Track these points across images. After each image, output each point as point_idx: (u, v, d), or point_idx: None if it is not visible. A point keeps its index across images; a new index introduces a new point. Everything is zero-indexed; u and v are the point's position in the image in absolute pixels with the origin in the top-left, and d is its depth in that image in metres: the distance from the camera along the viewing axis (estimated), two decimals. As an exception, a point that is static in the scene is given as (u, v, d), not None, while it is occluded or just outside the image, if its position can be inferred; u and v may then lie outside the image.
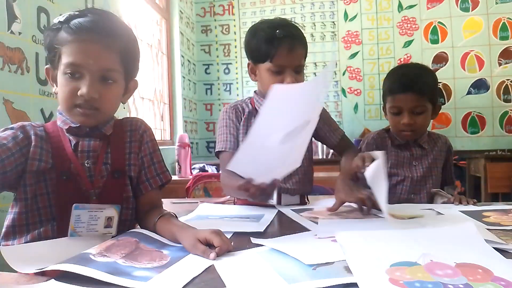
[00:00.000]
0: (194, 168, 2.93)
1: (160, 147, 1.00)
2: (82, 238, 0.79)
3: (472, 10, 3.62)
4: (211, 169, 2.92)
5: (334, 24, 3.87)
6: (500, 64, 3.57)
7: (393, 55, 3.77)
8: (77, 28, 0.81)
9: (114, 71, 0.85)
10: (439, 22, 3.68)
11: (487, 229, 0.82)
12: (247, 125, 1.29)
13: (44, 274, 0.60)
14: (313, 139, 1.38)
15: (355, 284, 0.52)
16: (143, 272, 0.61)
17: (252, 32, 1.26)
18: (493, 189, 2.94)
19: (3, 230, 0.83)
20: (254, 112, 1.32)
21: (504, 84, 3.58)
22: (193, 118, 3.91)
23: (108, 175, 0.88)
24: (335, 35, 3.87)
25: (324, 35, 3.87)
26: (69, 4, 1.87)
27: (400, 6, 3.75)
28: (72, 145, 0.87)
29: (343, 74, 3.85)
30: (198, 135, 4.00)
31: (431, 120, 1.41)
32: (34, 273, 0.60)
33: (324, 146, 3.98)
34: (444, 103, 3.61)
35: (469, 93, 3.63)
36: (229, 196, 1.47)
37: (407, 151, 1.38)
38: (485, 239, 0.68)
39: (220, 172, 1.28)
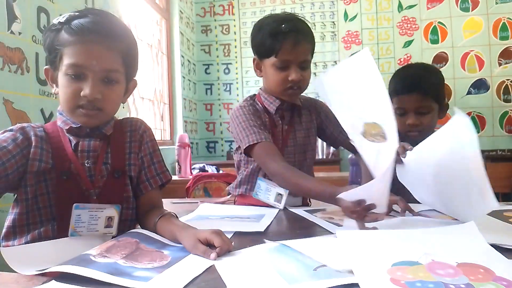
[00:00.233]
0: (194, 168, 2.93)
1: (160, 147, 1.00)
2: (82, 238, 0.79)
3: (472, 10, 3.62)
4: (211, 169, 2.92)
5: (334, 24, 3.87)
6: (500, 64, 3.57)
7: (393, 55, 3.77)
8: (78, 29, 0.81)
9: (116, 72, 0.86)
10: (439, 22, 3.68)
11: None
12: (264, 124, 1.25)
13: (45, 275, 0.60)
14: (318, 138, 1.38)
15: (356, 285, 0.52)
16: (143, 273, 0.61)
17: (257, 27, 1.24)
18: (493, 189, 2.94)
19: (4, 230, 0.83)
20: (264, 111, 1.28)
21: (504, 84, 3.58)
22: (193, 118, 3.91)
23: (108, 175, 0.88)
24: (335, 35, 3.87)
25: (324, 35, 3.87)
26: (69, 4, 1.86)
27: (400, 6, 3.75)
28: (72, 145, 0.87)
29: (343, 74, 3.85)
30: (198, 135, 4.00)
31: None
32: (34, 274, 0.60)
33: (324, 145, 4.00)
34: (445, 98, 3.61)
35: (469, 93, 3.63)
36: (229, 196, 1.47)
37: None
38: None
39: (263, 162, 1.16)
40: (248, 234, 0.86)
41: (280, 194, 1.18)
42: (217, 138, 4.05)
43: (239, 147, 1.25)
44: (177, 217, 0.88)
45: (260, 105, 1.29)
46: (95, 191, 0.86)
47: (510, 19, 3.56)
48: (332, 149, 3.70)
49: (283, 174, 1.09)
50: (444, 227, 0.79)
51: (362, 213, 0.83)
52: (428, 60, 3.63)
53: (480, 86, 3.61)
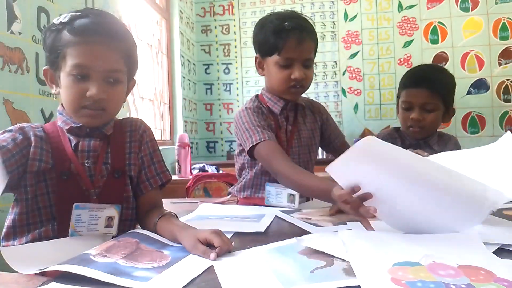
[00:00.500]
0: (194, 168, 2.93)
1: (160, 147, 1.00)
2: (82, 238, 0.79)
3: (472, 10, 3.61)
4: (211, 169, 2.92)
5: (334, 24, 3.87)
6: (500, 64, 3.57)
7: (393, 55, 3.77)
8: (82, 29, 0.81)
9: (120, 72, 0.86)
10: (439, 22, 3.67)
11: None
12: (268, 125, 1.24)
13: (45, 275, 0.59)
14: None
15: (352, 287, 0.51)
16: (143, 273, 0.61)
17: (260, 25, 1.23)
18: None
19: (4, 230, 0.83)
20: (268, 111, 1.27)
21: (504, 84, 3.57)
22: (193, 118, 3.90)
23: (108, 175, 0.88)
24: (335, 35, 3.87)
25: (324, 35, 3.87)
26: (69, 4, 1.86)
27: (400, 6, 3.75)
28: (72, 145, 0.87)
29: (343, 74, 3.85)
30: (198, 135, 4.00)
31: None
32: (35, 273, 0.60)
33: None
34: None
35: (469, 93, 3.62)
36: (229, 196, 1.47)
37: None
38: None
39: (267, 162, 1.14)
40: (248, 234, 0.86)
41: (292, 195, 1.17)
42: (217, 138, 4.04)
43: (243, 149, 1.24)
44: (177, 217, 0.88)
45: (264, 106, 1.28)
46: (95, 191, 0.86)
47: (510, 19, 3.56)
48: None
49: (286, 172, 1.07)
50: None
51: (356, 203, 0.77)
52: (428, 60, 3.63)
53: (480, 86, 3.61)
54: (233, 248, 0.72)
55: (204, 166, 3.00)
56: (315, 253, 0.67)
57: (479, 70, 3.61)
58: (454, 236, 0.73)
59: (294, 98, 1.26)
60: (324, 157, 3.62)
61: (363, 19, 3.82)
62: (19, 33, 1.56)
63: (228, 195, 1.52)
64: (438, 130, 1.41)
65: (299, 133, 1.29)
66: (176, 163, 2.79)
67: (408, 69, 1.48)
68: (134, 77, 0.95)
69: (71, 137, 0.87)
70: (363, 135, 3.67)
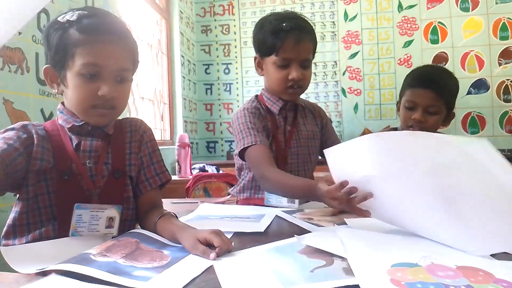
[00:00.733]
0: (194, 168, 2.93)
1: (160, 147, 1.00)
2: (82, 238, 0.79)
3: (472, 10, 3.61)
4: (211, 169, 2.92)
5: (334, 24, 3.87)
6: (500, 64, 3.57)
7: (393, 55, 3.77)
8: (94, 28, 0.81)
9: (128, 71, 0.87)
10: (439, 22, 3.67)
11: None
12: (265, 126, 1.25)
13: (45, 275, 0.60)
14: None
15: (354, 287, 0.52)
16: (143, 272, 0.61)
17: (259, 25, 1.24)
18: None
19: (4, 229, 0.83)
20: (267, 111, 1.28)
21: (504, 84, 3.57)
22: (193, 118, 3.90)
23: (108, 175, 0.88)
24: (335, 35, 3.87)
25: (324, 35, 3.87)
26: (69, 5, 1.86)
27: (400, 6, 3.75)
28: (74, 144, 0.86)
29: (343, 74, 3.85)
30: (198, 135, 4.00)
31: None
32: (35, 273, 0.60)
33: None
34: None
35: (469, 93, 3.62)
36: (229, 196, 1.47)
37: None
38: None
39: (253, 166, 1.16)
40: (248, 234, 0.86)
41: None
42: (217, 138, 4.04)
43: None
44: (176, 217, 0.88)
45: (263, 106, 1.28)
46: (96, 192, 0.86)
47: (510, 19, 3.56)
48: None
49: (270, 175, 1.07)
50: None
51: (344, 198, 0.77)
52: (428, 60, 3.63)
53: (480, 86, 3.61)
54: (233, 248, 0.72)
55: (204, 166, 3.00)
56: (315, 252, 0.67)
57: (479, 70, 3.61)
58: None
59: (292, 99, 1.26)
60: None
61: (363, 19, 3.82)
62: (19, 33, 1.56)
63: (228, 195, 1.52)
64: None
65: (298, 134, 1.29)
66: (176, 163, 2.79)
67: (409, 69, 1.48)
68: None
69: (73, 136, 0.87)
70: (363, 135, 3.67)
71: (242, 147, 1.16)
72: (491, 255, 0.64)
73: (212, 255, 0.67)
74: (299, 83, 1.19)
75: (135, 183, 0.93)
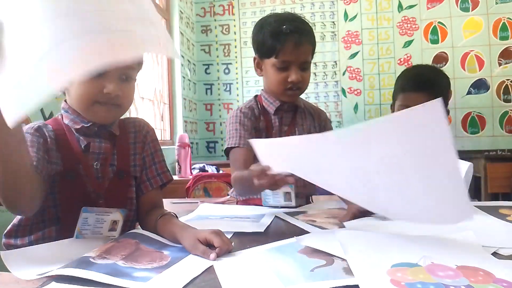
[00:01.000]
0: (194, 168, 2.93)
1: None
2: (83, 241, 0.79)
3: (472, 10, 3.61)
4: (211, 169, 2.92)
5: (334, 24, 3.87)
6: (500, 64, 3.57)
7: (393, 55, 3.76)
8: None
9: (133, 69, 0.87)
10: (439, 22, 3.67)
11: None
12: (257, 126, 1.26)
13: (44, 280, 0.59)
14: None
15: (354, 287, 0.52)
16: (143, 273, 0.61)
17: (259, 26, 1.24)
18: (493, 189, 2.94)
19: (9, 227, 0.83)
20: (262, 111, 1.29)
21: (504, 84, 3.57)
22: (193, 118, 3.90)
23: (113, 177, 0.88)
24: (335, 35, 3.86)
25: (324, 35, 3.87)
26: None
27: (400, 6, 3.75)
28: (82, 146, 0.85)
29: (343, 74, 3.85)
30: (198, 135, 4.00)
31: None
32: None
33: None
34: (448, 104, 3.61)
35: (469, 93, 3.62)
36: (229, 196, 1.47)
37: None
38: None
39: (231, 169, 1.22)
40: (248, 234, 0.86)
41: (288, 193, 1.18)
42: (217, 138, 4.04)
43: None
44: (177, 217, 0.88)
45: (260, 106, 1.29)
46: (102, 193, 0.86)
47: (510, 19, 3.55)
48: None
49: (233, 178, 1.13)
50: (442, 232, 0.79)
51: (272, 178, 0.81)
52: (428, 60, 3.63)
53: (480, 86, 3.61)
54: (233, 248, 0.72)
55: (204, 166, 3.00)
56: (315, 252, 0.67)
57: (479, 70, 3.60)
58: (452, 237, 0.73)
59: (291, 100, 1.27)
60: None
61: (363, 19, 3.82)
62: (19, 33, 1.56)
63: (228, 195, 1.52)
64: None
65: (295, 134, 1.29)
66: (176, 163, 2.79)
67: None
68: None
69: (81, 137, 0.86)
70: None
71: (226, 146, 1.22)
72: (491, 254, 0.64)
73: (212, 255, 0.67)
74: (298, 85, 1.20)
75: (137, 183, 0.93)
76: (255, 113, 1.27)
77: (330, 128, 1.39)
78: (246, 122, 1.23)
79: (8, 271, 0.62)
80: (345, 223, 0.92)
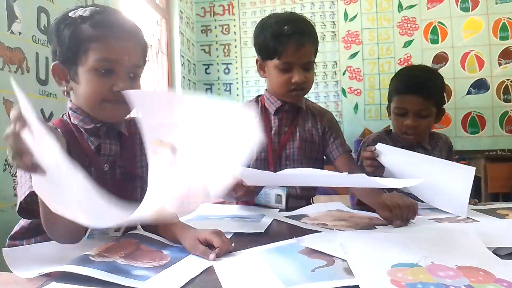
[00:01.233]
0: (194, 168, 2.92)
1: (160, 147, 1.00)
2: (86, 240, 0.79)
3: (472, 10, 3.61)
4: (211, 169, 2.91)
5: (334, 24, 3.87)
6: (500, 64, 3.57)
7: (393, 55, 3.76)
8: (108, 24, 0.80)
9: (140, 67, 0.87)
10: (439, 22, 3.67)
11: None
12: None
13: (44, 279, 0.59)
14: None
15: (355, 287, 0.51)
16: (141, 272, 0.61)
17: (260, 27, 1.23)
18: (493, 189, 2.94)
19: (16, 229, 0.83)
20: (263, 112, 1.28)
21: (504, 84, 3.57)
22: (193, 118, 3.90)
23: (122, 178, 0.88)
24: (335, 35, 3.86)
25: (324, 35, 3.87)
26: (69, 5, 1.86)
27: (400, 6, 3.75)
28: (93, 147, 0.85)
29: (343, 74, 3.85)
30: (198, 135, 3.99)
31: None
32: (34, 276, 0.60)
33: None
34: (445, 103, 3.61)
35: (469, 93, 3.62)
36: (229, 197, 1.47)
37: None
38: None
39: None
40: (248, 234, 0.86)
41: (279, 195, 1.18)
42: (217, 138, 4.04)
43: None
44: (178, 217, 0.88)
45: (261, 106, 1.29)
46: (112, 195, 0.85)
47: (510, 19, 3.55)
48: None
49: None
50: (442, 232, 0.79)
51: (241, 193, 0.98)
52: (428, 60, 3.63)
53: (480, 86, 3.61)
54: (233, 248, 0.72)
55: (204, 166, 2.99)
56: (315, 252, 0.67)
57: (479, 70, 3.60)
58: (452, 236, 0.73)
59: (295, 101, 1.26)
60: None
61: (363, 19, 3.82)
62: (19, 33, 1.56)
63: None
64: None
65: (295, 135, 1.28)
66: (176, 163, 2.78)
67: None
68: None
69: (91, 138, 0.85)
70: (363, 135, 3.67)
71: None
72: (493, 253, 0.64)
73: (212, 255, 0.67)
74: (302, 86, 1.19)
75: (141, 183, 0.93)
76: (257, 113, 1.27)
77: (336, 129, 1.33)
78: None
79: (8, 271, 0.62)
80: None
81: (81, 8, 0.82)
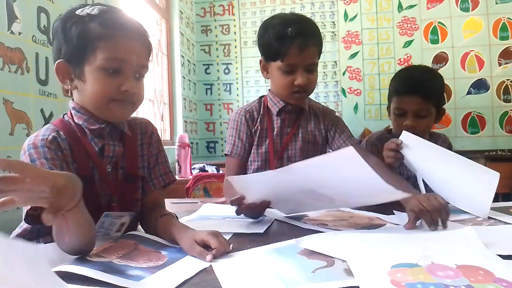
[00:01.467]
0: (194, 168, 2.93)
1: (161, 148, 1.01)
2: None
3: (472, 10, 3.61)
4: (211, 169, 2.92)
5: (334, 24, 3.87)
6: (500, 64, 3.57)
7: (393, 55, 3.76)
8: (116, 23, 0.80)
9: (145, 68, 0.87)
10: (439, 22, 3.67)
11: None
12: (261, 127, 1.27)
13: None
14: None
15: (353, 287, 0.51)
16: (137, 272, 0.60)
17: (263, 28, 1.22)
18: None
19: (18, 231, 0.83)
20: (266, 112, 1.28)
21: (504, 84, 3.57)
22: (193, 118, 3.90)
23: (124, 179, 0.88)
24: (335, 35, 3.86)
25: (324, 35, 3.87)
26: (69, 5, 1.86)
27: (400, 6, 3.74)
28: (97, 149, 0.84)
29: (343, 74, 3.85)
30: (198, 135, 4.00)
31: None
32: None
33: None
34: (445, 103, 3.61)
35: (469, 93, 3.62)
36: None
37: None
38: None
39: (225, 174, 1.33)
40: (247, 235, 0.86)
41: None
42: (217, 138, 4.04)
43: None
44: (177, 217, 0.88)
45: (263, 107, 1.29)
46: (115, 196, 0.86)
47: (510, 19, 3.55)
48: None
49: (225, 187, 1.17)
50: (442, 232, 0.79)
51: (242, 209, 0.94)
52: (428, 60, 3.63)
53: (480, 86, 3.61)
54: (230, 249, 0.71)
55: (204, 166, 3.00)
56: (315, 253, 0.66)
57: (479, 70, 3.60)
58: (452, 235, 0.73)
59: (298, 103, 1.26)
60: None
61: (363, 19, 3.82)
62: (19, 33, 1.56)
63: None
64: None
65: (298, 136, 1.28)
66: (176, 163, 2.79)
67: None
68: None
69: (95, 140, 0.84)
70: (363, 135, 3.67)
71: (223, 153, 1.33)
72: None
73: (208, 257, 0.66)
74: (305, 88, 1.19)
75: (142, 183, 0.93)
76: (254, 116, 1.27)
77: (340, 124, 1.35)
78: (242, 129, 1.27)
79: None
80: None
81: (88, 7, 0.81)
